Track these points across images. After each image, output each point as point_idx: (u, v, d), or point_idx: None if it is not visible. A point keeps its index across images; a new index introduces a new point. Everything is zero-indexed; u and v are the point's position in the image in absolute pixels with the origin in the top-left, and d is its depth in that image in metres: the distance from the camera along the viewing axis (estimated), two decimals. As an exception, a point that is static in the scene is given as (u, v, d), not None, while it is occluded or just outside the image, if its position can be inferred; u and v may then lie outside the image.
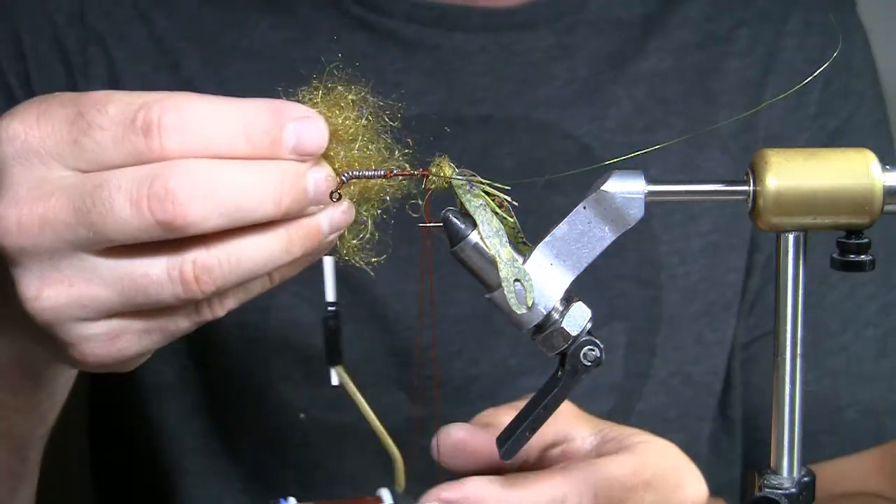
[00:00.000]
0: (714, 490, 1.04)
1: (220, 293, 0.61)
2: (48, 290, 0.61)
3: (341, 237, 0.63)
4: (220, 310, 0.63)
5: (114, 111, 0.59)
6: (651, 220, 1.01)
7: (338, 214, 0.62)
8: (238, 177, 0.59)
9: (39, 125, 0.61)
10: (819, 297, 1.06)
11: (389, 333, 0.98)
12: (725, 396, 1.06)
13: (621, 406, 1.00)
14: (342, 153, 0.63)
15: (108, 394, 1.09)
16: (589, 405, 0.98)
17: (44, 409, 0.80)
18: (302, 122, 0.60)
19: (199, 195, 0.58)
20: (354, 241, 0.64)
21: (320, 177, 0.61)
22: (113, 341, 0.63)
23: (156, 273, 0.60)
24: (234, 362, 0.96)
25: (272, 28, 1.01)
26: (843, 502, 1.06)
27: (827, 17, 1.08)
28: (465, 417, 0.97)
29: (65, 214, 0.60)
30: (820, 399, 1.07)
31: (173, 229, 0.58)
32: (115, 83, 1.00)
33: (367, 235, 0.64)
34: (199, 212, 0.58)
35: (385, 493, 0.71)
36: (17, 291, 0.62)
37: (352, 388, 0.66)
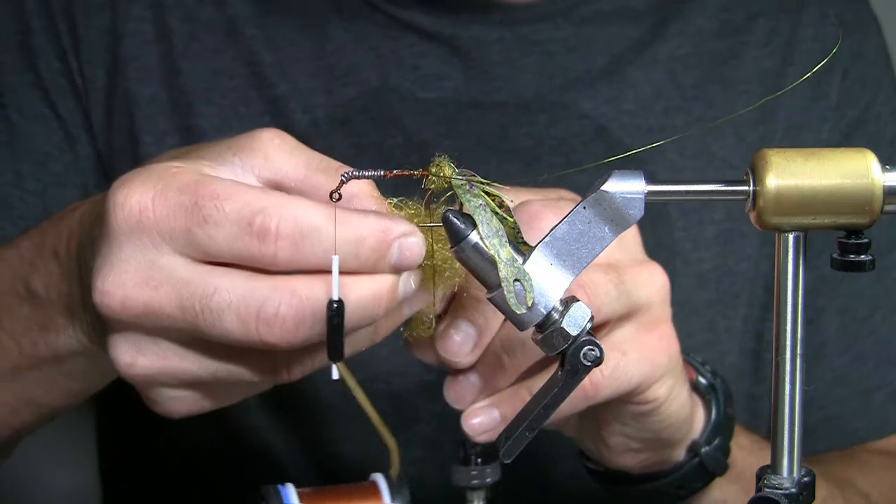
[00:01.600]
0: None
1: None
2: (143, 360, 0.64)
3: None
4: (291, 377, 0.66)
5: (232, 210, 0.60)
6: (668, 205, 1.01)
7: (415, 300, 0.66)
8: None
9: (155, 207, 0.61)
10: (848, 283, 1.06)
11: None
12: (751, 389, 1.06)
13: None
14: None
15: None
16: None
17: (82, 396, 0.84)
18: (405, 239, 0.62)
19: (306, 323, 0.61)
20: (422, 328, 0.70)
21: (408, 282, 0.64)
22: (197, 402, 0.67)
23: (249, 360, 0.64)
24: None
25: (295, 31, 1.02)
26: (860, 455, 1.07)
27: (841, 7, 1.09)
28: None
29: (171, 309, 0.62)
30: (849, 383, 1.09)
31: (275, 349, 0.62)
32: (160, 8, 1.01)
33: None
34: (303, 336, 0.61)
35: (380, 479, 0.71)
36: (112, 354, 0.65)
37: (352, 382, 0.66)
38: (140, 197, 0.62)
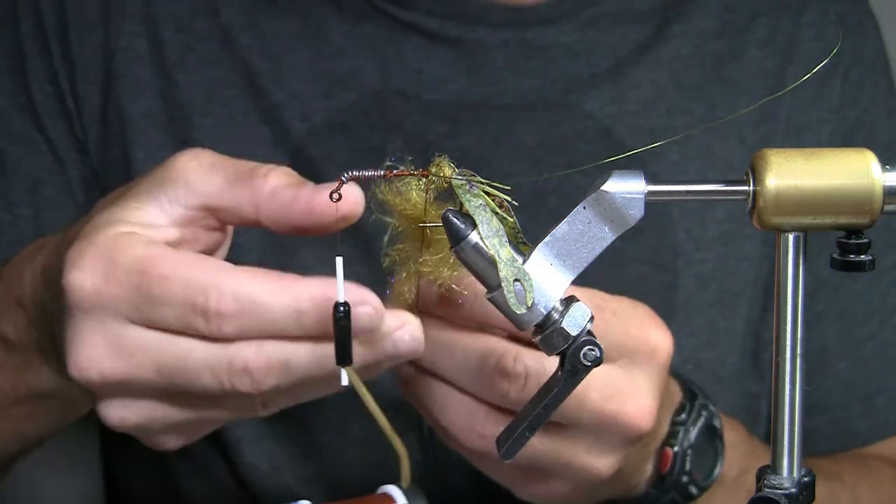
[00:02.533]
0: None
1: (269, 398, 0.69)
2: (131, 416, 0.69)
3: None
4: (266, 411, 0.70)
5: (176, 292, 0.64)
6: (670, 205, 1.02)
7: (405, 345, 0.67)
8: (304, 353, 0.65)
9: (108, 288, 0.66)
10: (845, 288, 1.07)
11: None
12: (750, 388, 1.06)
13: None
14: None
15: None
16: None
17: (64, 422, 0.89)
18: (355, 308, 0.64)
19: (275, 370, 0.65)
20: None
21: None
22: (189, 437, 0.72)
23: (227, 403, 0.69)
24: None
25: (295, 20, 1.02)
26: (863, 459, 1.07)
27: (841, 7, 1.09)
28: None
29: (148, 373, 0.66)
30: (851, 387, 1.09)
31: (251, 395, 0.66)
32: (152, 22, 1.01)
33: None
34: (274, 381, 0.65)
35: (394, 490, 0.71)
36: (102, 414, 0.69)
37: (361, 388, 0.66)
38: (92, 279, 0.65)
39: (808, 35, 1.07)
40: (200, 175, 0.68)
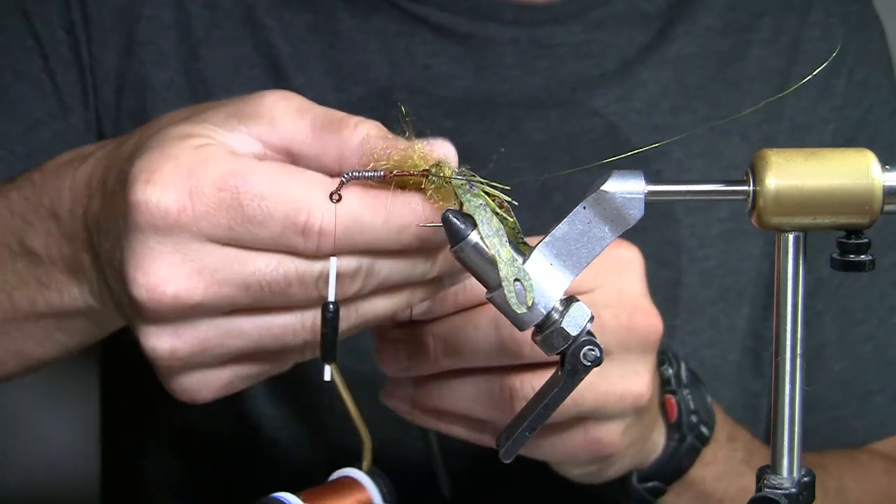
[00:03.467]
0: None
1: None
2: (182, 346, 0.64)
3: None
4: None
5: (276, 210, 0.61)
6: (674, 203, 1.02)
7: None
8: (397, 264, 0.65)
9: (194, 204, 0.61)
10: (844, 287, 1.07)
11: None
12: (751, 386, 1.06)
13: None
14: None
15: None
16: None
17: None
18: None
19: (361, 276, 0.64)
20: None
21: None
22: (227, 383, 0.67)
23: (291, 323, 0.65)
24: None
25: (306, 13, 1.03)
26: (857, 455, 1.07)
27: (846, 7, 1.09)
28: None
29: (232, 291, 0.62)
30: (849, 386, 1.09)
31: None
32: (182, 10, 1.00)
33: None
34: (359, 285, 0.65)
35: (356, 473, 0.71)
36: (149, 345, 0.64)
37: (341, 384, 0.66)
38: (174, 196, 0.61)
39: (812, 35, 1.07)
40: (288, 116, 0.65)
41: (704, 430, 0.84)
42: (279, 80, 1.01)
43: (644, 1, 1.05)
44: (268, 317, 0.64)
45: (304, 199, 0.62)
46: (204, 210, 0.61)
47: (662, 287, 1.01)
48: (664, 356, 0.84)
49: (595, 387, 0.73)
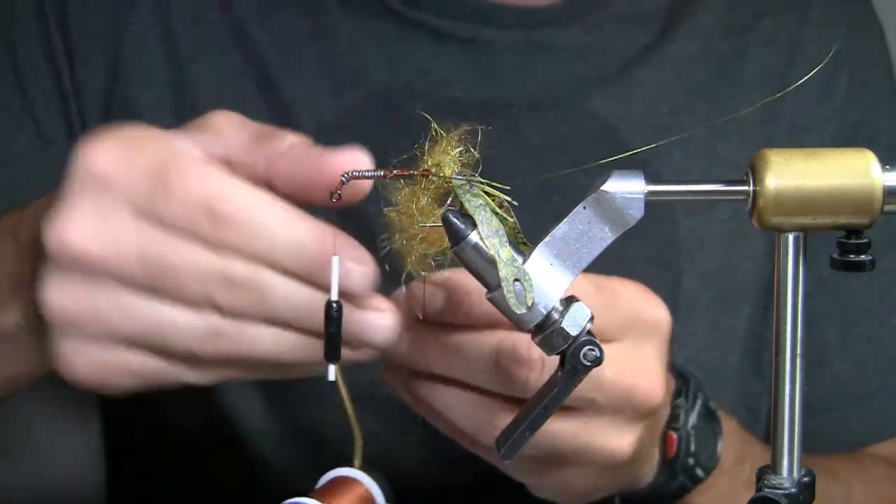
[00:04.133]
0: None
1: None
2: (73, 308, 0.65)
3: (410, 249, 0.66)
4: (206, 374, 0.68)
5: (192, 187, 0.63)
6: (673, 204, 1.02)
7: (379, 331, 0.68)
8: (288, 288, 0.65)
9: (125, 170, 0.64)
10: (844, 287, 1.07)
11: None
12: (751, 387, 1.06)
13: None
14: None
15: None
16: None
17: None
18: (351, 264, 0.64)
19: (256, 291, 0.64)
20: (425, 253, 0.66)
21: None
22: (109, 372, 0.67)
23: (182, 319, 0.65)
24: None
25: (300, 20, 1.02)
26: (860, 458, 1.07)
27: (846, 7, 1.09)
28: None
29: (131, 263, 0.64)
30: (850, 387, 1.09)
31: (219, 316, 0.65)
32: (164, 12, 1.00)
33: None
34: (249, 303, 0.65)
35: (355, 472, 0.71)
36: (42, 297, 0.65)
37: (342, 383, 0.66)
38: (110, 152, 0.64)
39: (812, 35, 1.07)
40: (229, 127, 0.68)
41: (700, 472, 0.84)
42: (269, 89, 1.01)
43: (644, 1, 1.05)
44: (163, 305, 0.65)
45: (224, 189, 0.64)
46: (132, 177, 0.64)
47: (662, 289, 1.00)
48: (685, 388, 0.84)
49: (576, 437, 0.74)
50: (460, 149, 0.64)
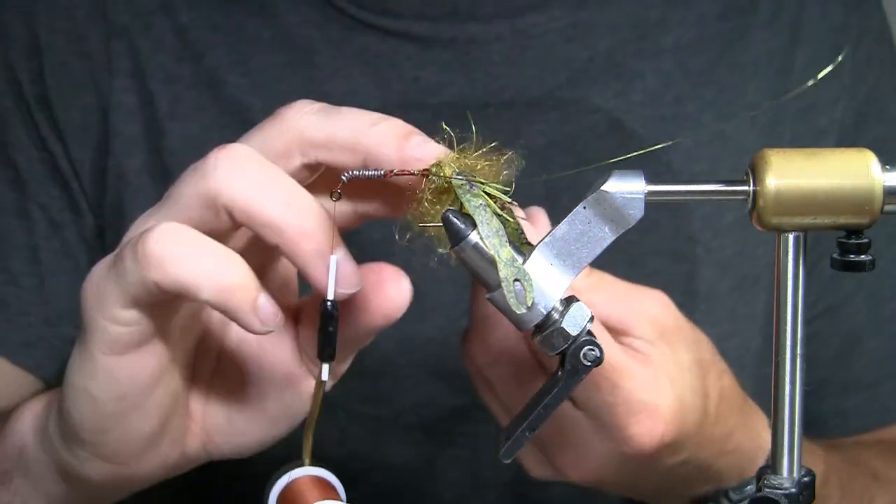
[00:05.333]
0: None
1: None
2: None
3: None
4: None
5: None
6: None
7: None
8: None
9: (93, 279, 0.65)
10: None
11: (424, 322, 0.98)
12: (763, 370, 1.06)
13: None
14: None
15: None
16: None
17: None
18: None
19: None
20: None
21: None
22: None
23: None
24: None
25: (292, 14, 1.01)
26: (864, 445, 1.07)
27: None
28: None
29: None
30: (884, 364, 1.09)
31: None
32: (140, 75, 1.00)
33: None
34: None
35: (318, 471, 0.70)
36: None
37: (322, 384, 0.65)
38: (100, 267, 0.65)
39: (812, 14, 1.06)
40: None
41: None
42: None
43: None
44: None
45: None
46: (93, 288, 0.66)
47: (679, 281, 1.01)
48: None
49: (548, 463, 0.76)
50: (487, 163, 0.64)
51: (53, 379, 1.03)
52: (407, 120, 0.98)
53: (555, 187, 0.91)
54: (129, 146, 1.00)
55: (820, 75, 0.97)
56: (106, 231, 1.03)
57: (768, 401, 1.04)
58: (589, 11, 1.02)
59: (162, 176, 1.00)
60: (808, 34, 1.06)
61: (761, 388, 1.05)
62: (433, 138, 0.65)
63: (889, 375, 1.09)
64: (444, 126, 0.64)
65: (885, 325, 1.09)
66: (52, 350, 1.02)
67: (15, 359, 1.01)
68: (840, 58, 1.06)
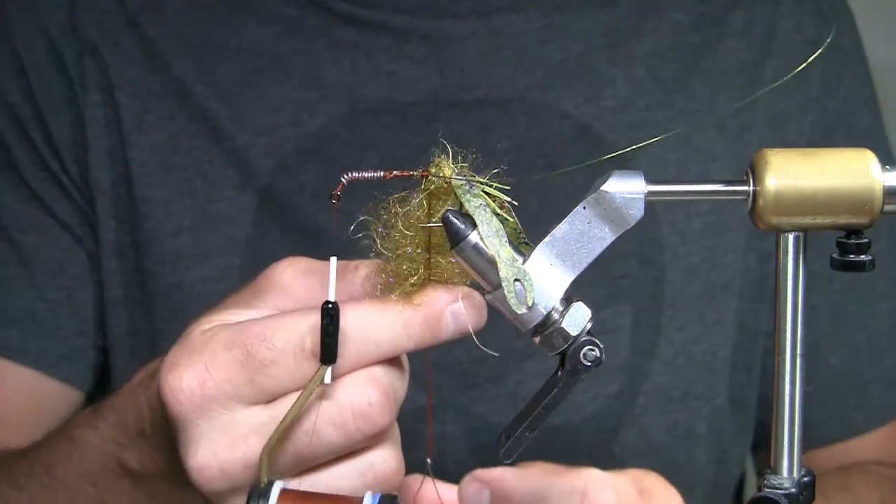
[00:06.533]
0: (709, 470, 1.04)
1: None
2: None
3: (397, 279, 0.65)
4: None
5: (281, 343, 0.63)
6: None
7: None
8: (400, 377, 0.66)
9: (211, 374, 0.64)
10: (836, 280, 1.07)
11: None
12: (736, 378, 1.06)
13: (628, 387, 1.01)
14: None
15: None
16: (596, 387, 0.99)
17: None
18: (455, 307, 0.65)
19: (390, 399, 0.64)
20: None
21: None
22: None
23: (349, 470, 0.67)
24: None
25: (259, 26, 1.02)
26: (839, 475, 1.07)
27: None
28: (474, 401, 0.97)
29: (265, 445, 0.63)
30: (846, 376, 1.09)
31: (376, 435, 0.65)
32: (110, 89, 1.01)
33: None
34: (391, 412, 0.65)
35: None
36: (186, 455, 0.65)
37: (315, 383, 0.65)
38: (194, 373, 0.64)
39: (785, 26, 1.06)
40: (298, 280, 0.68)
41: None
42: (220, 142, 1.00)
43: None
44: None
45: (303, 322, 0.64)
46: (222, 375, 0.64)
47: (645, 286, 1.01)
48: None
49: None
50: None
51: (90, 389, 1.05)
52: (376, 124, 0.98)
53: (522, 190, 0.91)
54: (101, 159, 1.01)
55: (795, 71, 0.97)
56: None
57: (743, 407, 1.06)
58: (564, 15, 1.02)
59: (128, 189, 1.01)
60: (779, 46, 1.06)
61: (736, 395, 1.05)
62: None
63: (851, 389, 1.09)
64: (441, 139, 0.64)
65: (847, 338, 1.09)
66: (88, 360, 1.04)
67: (54, 372, 1.03)
68: (827, 40, 1.06)
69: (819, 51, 1.03)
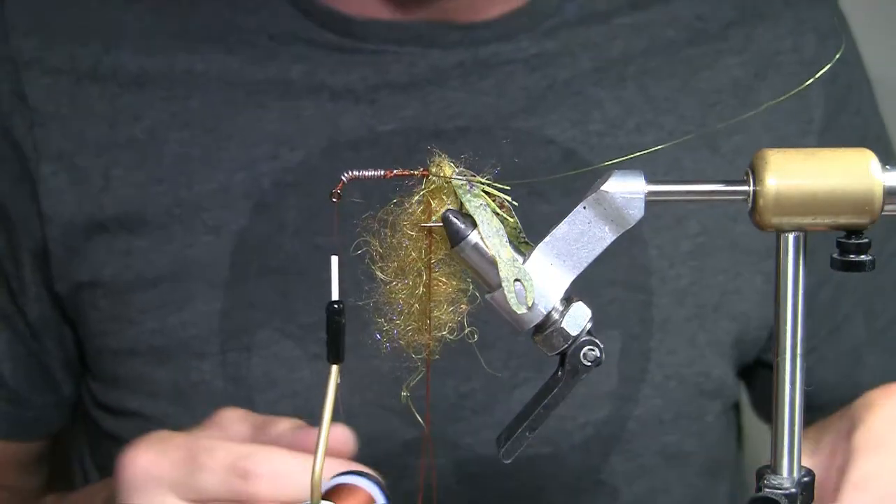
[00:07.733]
0: (702, 482, 1.03)
1: None
2: None
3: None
4: None
5: (220, 457, 0.76)
6: (639, 224, 0.99)
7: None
8: None
9: (160, 461, 0.77)
10: (864, 283, 1.06)
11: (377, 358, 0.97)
12: (733, 393, 1.05)
13: (617, 412, 0.99)
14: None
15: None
16: (585, 414, 0.98)
17: None
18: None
19: None
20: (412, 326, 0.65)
21: None
22: None
23: None
24: (219, 403, 0.94)
25: (232, 55, 0.99)
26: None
27: (816, 12, 1.06)
28: (461, 434, 0.96)
29: None
30: (886, 377, 1.05)
31: None
32: (69, 156, 0.98)
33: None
34: None
35: (352, 479, 0.72)
36: None
37: (333, 387, 0.64)
38: (148, 455, 0.78)
39: (785, 46, 1.04)
40: (233, 422, 0.82)
41: None
42: (192, 187, 0.98)
43: (601, 5, 1.02)
44: None
45: (244, 448, 0.76)
46: (168, 465, 0.77)
47: (634, 311, 0.99)
48: None
49: None
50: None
51: (6, 437, 1.05)
52: (357, 157, 0.97)
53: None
54: (63, 228, 0.98)
55: (791, 93, 0.95)
56: (64, 301, 1.01)
57: (730, 424, 1.05)
58: (555, 41, 1.01)
59: (104, 239, 0.98)
60: (777, 66, 1.04)
61: (729, 413, 1.05)
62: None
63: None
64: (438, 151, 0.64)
65: (881, 337, 1.08)
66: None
67: None
68: (837, 55, 1.04)
69: (819, 74, 1.02)
